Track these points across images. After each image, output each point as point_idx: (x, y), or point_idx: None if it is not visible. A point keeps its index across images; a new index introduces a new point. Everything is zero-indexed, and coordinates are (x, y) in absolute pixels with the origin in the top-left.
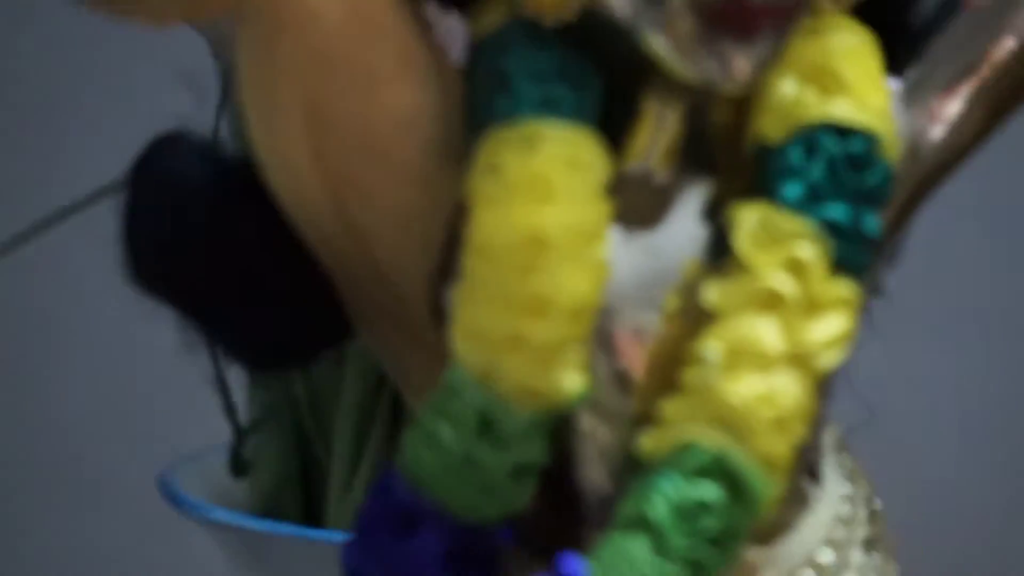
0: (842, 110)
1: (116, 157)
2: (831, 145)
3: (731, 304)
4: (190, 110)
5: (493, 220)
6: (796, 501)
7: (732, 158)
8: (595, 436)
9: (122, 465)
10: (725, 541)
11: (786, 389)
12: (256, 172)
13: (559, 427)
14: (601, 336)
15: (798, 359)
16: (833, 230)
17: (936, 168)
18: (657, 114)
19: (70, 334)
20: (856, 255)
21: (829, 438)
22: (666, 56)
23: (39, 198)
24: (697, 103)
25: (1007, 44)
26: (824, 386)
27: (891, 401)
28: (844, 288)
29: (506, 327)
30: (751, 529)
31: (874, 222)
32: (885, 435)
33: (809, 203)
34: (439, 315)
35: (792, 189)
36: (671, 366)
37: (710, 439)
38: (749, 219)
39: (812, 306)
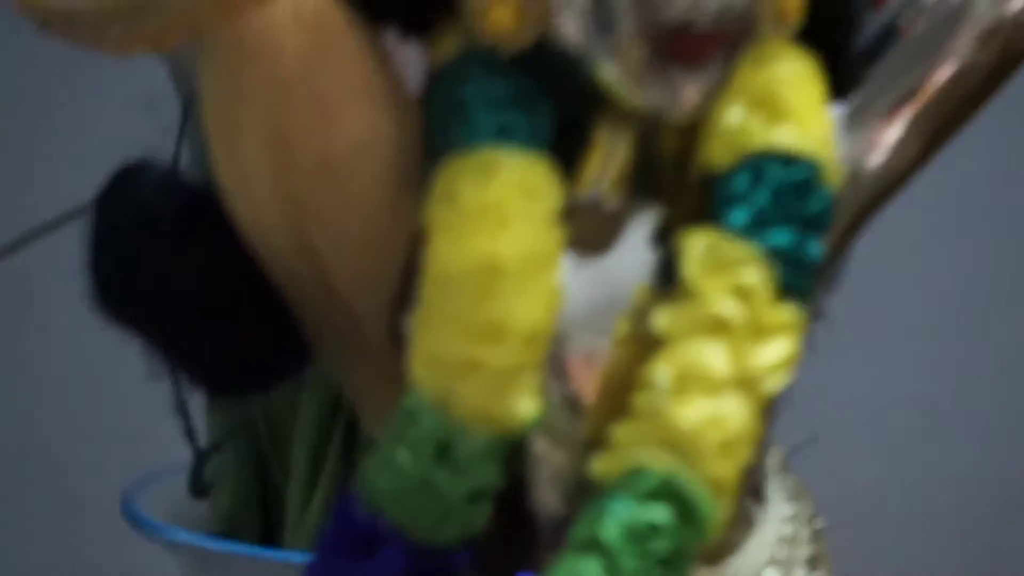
0: (786, 138)
1: (81, 182)
2: (776, 172)
3: (680, 329)
4: (152, 136)
5: (449, 247)
6: (742, 522)
7: (680, 185)
8: (548, 460)
9: (86, 484)
10: (674, 562)
11: (733, 413)
12: (217, 199)
13: (514, 451)
14: (553, 361)
15: (745, 383)
16: (778, 256)
17: (876, 194)
18: (608, 142)
19: (33, 357)
20: (800, 280)
21: (773, 460)
22: (617, 84)
23: (4, 222)
24: (646, 131)
25: (944, 70)
26: (769, 409)
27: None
28: (789, 313)
29: (462, 353)
30: (699, 550)
31: (817, 248)
32: (824, 451)
33: (755, 229)
34: (397, 341)
35: (738, 216)
36: (622, 390)
37: (660, 462)
38: (697, 245)
39: (758, 331)
